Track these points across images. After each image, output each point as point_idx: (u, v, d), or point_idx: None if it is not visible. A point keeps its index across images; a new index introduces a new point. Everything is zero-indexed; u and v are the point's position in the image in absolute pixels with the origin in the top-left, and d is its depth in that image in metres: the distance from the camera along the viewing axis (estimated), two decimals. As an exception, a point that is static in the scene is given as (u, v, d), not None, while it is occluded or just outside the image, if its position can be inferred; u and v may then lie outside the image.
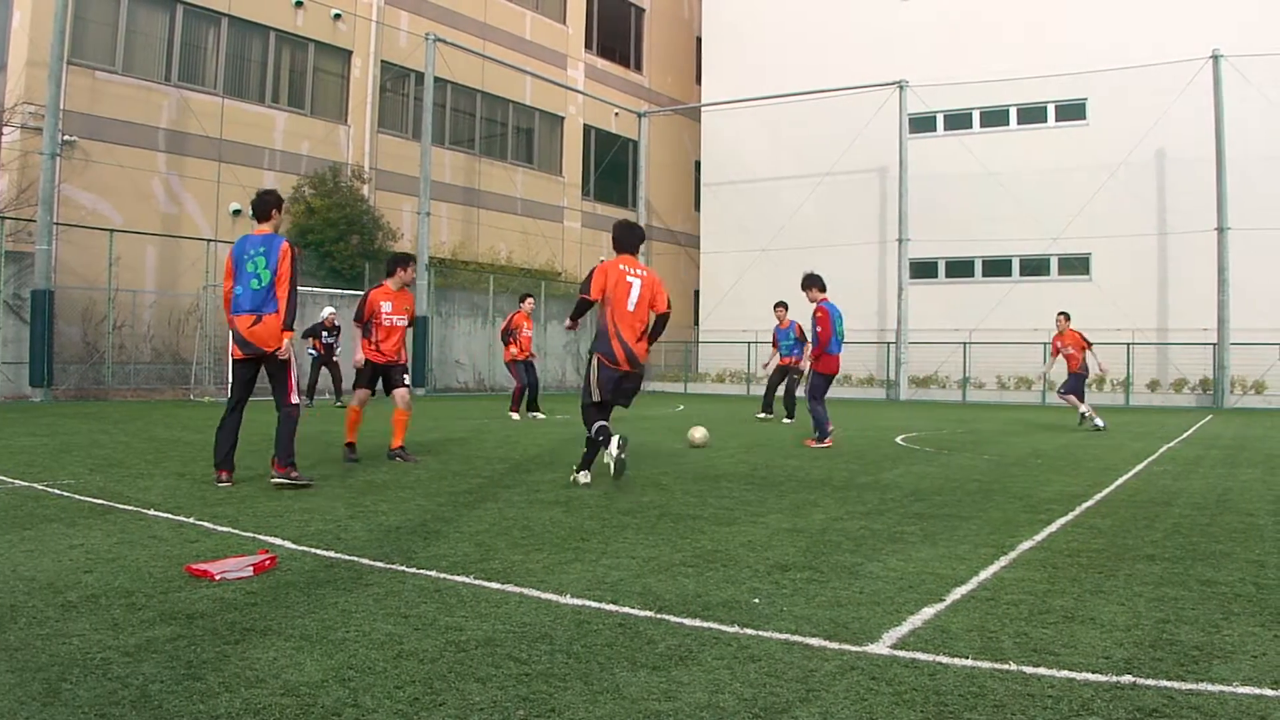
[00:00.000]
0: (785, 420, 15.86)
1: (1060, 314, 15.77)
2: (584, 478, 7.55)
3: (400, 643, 3.27)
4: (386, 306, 9.15)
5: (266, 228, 7.31)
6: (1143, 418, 19.50)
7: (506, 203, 31.16)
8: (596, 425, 7.46)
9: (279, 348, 7.08)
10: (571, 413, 15.48)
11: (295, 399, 7.25)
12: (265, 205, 7.33)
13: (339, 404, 18.25)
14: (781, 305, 16.40)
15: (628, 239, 7.78)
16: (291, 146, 24.80)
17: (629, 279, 7.56)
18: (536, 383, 16.13)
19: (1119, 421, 17.86)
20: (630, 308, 7.52)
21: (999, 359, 28.38)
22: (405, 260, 9.53)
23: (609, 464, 7.38)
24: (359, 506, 6.19)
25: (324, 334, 18.50)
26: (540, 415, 15.94)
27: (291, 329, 7.17)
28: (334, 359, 18.70)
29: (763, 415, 16.71)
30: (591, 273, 7.61)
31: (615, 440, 7.35)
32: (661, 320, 7.83)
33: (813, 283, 11.68)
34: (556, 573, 4.38)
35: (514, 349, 15.82)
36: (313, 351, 18.59)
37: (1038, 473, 8.85)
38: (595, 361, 7.51)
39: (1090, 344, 15.49)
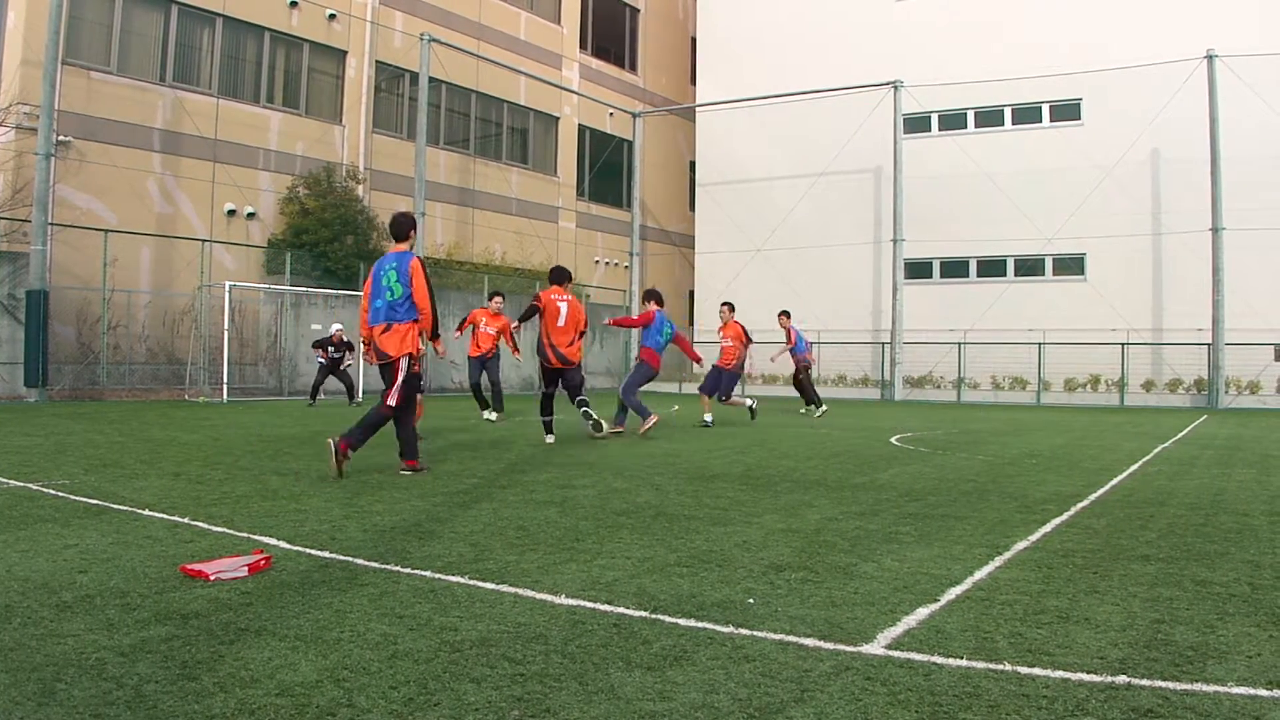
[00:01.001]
0: (818, 412, 17.66)
1: (724, 304, 16.04)
2: (549, 439, 11.08)
3: (395, 643, 3.27)
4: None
5: (403, 246, 7.97)
6: (1137, 418, 19.54)
7: (501, 203, 31.16)
8: (544, 420, 11.45)
9: (397, 358, 7.80)
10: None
11: (391, 402, 7.82)
12: (403, 226, 7.99)
13: (355, 403, 18.69)
14: (785, 314, 17.46)
15: (558, 276, 11.36)
16: (286, 147, 24.76)
17: (559, 303, 11.04)
18: (497, 382, 15.69)
19: (1113, 422, 17.89)
20: (560, 323, 10.99)
21: (994, 359, 28.44)
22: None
23: (595, 432, 11.55)
24: (354, 507, 6.18)
25: (330, 348, 18.59)
26: (490, 416, 15.30)
27: (439, 336, 8.21)
28: (342, 368, 18.88)
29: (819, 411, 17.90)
30: (538, 295, 11.12)
31: (550, 436, 11.21)
32: (579, 335, 11.27)
33: (650, 296, 13.59)
34: (551, 573, 4.38)
35: (470, 344, 15.85)
36: (320, 360, 18.89)
37: (1032, 473, 8.86)
38: (538, 364, 11.54)
39: (750, 340, 15.74)
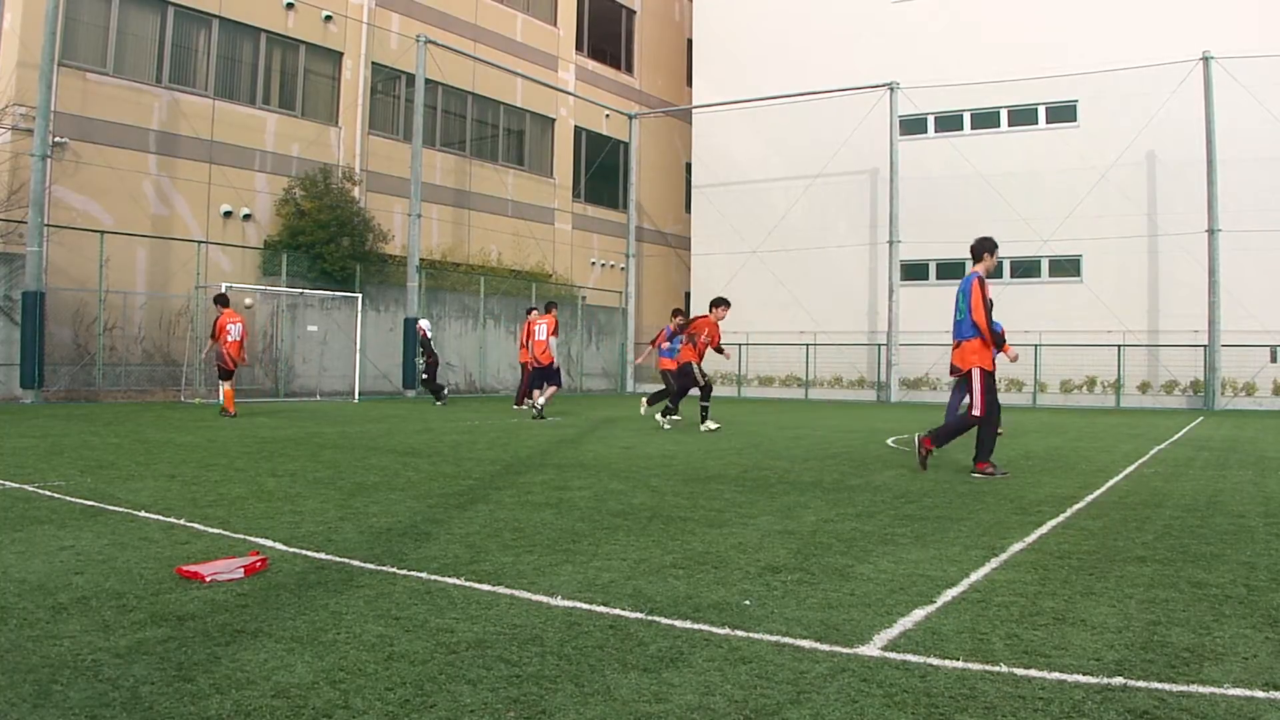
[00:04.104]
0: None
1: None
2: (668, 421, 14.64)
3: (391, 644, 3.27)
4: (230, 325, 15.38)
5: (976, 267, 8.74)
6: (1133, 419, 19.56)
7: (497, 204, 31.15)
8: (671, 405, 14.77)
9: (967, 371, 8.61)
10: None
11: (976, 411, 8.51)
12: (977, 250, 8.78)
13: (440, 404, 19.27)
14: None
15: (717, 303, 15.08)
16: (282, 148, 24.74)
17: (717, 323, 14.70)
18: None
19: (1109, 423, 17.92)
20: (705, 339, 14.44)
21: (990, 361, 28.39)
22: (225, 300, 15.69)
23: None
24: (349, 508, 6.18)
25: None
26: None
27: (1004, 345, 8.93)
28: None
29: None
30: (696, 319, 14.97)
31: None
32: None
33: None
34: (547, 574, 4.38)
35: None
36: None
37: (1028, 474, 8.87)
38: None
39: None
